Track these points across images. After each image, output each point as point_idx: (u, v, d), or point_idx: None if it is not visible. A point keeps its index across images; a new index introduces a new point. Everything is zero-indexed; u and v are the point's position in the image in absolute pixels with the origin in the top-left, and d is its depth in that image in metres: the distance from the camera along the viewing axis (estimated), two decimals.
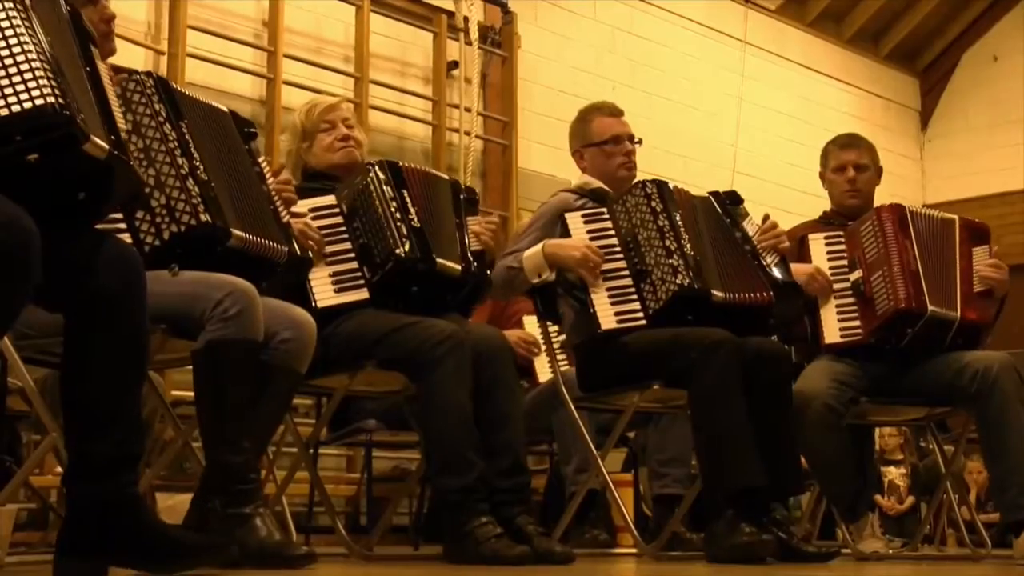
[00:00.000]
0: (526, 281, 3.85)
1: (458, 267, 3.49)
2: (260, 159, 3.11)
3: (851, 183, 4.28)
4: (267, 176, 3.10)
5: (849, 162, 4.30)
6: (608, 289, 3.72)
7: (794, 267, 3.94)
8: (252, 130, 3.14)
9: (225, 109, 3.09)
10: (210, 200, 2.79)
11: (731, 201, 3.96)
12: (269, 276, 2.94)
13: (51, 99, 1.97)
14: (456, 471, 3.18)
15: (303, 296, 3.30)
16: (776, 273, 3.83)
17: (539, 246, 3.77)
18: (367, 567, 3.25)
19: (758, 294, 3.76)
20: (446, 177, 3.75)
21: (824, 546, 3.94)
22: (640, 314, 3.70)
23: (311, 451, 4.06)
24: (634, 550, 4.11)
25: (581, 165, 4.11)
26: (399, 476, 5.65)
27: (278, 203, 3.07)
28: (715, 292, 3.69)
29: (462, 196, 3.70)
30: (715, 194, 3.96)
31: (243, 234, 2.85)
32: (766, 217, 3.94)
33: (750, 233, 3.86)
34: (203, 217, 2.76)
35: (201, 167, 2.82)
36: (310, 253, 3.20)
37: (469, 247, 3.58)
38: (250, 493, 2.67)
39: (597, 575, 2.97)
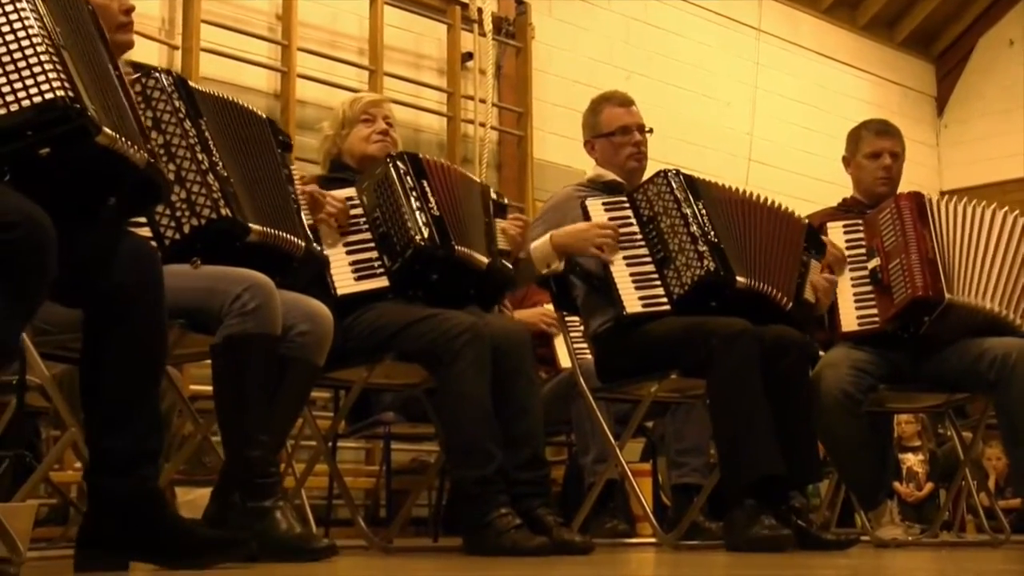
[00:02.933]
0: (533, 272, 3.85)
1: (484, 259, 3.49)
2: (292, 166, 3.13)
3: (886, 171, 4.27)
4: (295, 180, 3.13)
5: (886, 149, 4.29)
6: (632, 275, 3.72)
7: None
8: (286, 139, 3.18)
9: (262, 115, 3.11)
10: (230, 195, 2.80)
11: (814, 238, 3.97)
12: (286, 271, 2.95)
13: (60, 92, 1.97)
14: (475, 463, 3.18)
15: (323, 286, 3.29)
16: (805, 292, 3.87)
17: (546, 236, 3.77)
18: (387, 559, 3.25)
19: (780, 294, 3.77)
20: (477, 179, 3.77)
21: (843, 533, 3.92)
22: (664, 299, 3.69)
23: (330, 444, 4.05)
24: (653, 540, 4.13)
25: (593, 156, 4.11)
26: (418, 468, 5.65)
27: (301, 201, 3.09)
28: (739, 278, 3.69)
29: (492, 199, 3.73)
30: (809, 226, 3.98)
31: (262, 228, 2.87)
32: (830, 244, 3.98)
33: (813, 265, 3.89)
34: (223, 211, 2.77)
35: (221, 163, 2.83)
36: (327, 242, 3.21)
37: (497, 243, 3.60)
38: (270, 487, 2.68)
39: (616, 565, 2.95)
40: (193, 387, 4.71)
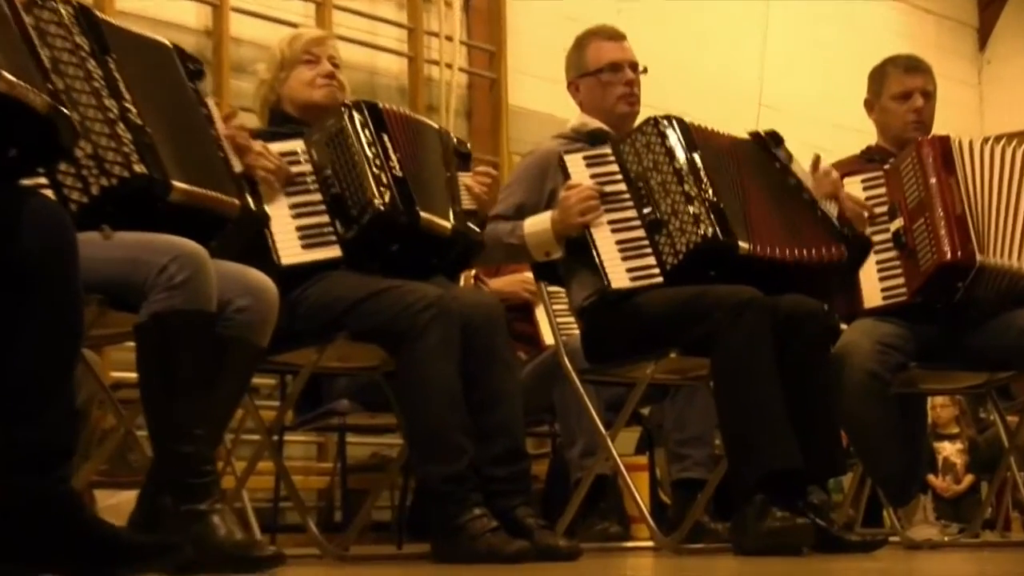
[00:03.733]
0: (528, 258, 3.88)
1: (447, 224, 3.51)
2: (207, 100, 3.10)
3: (918, 113, 4.28)
4: (215, 120, 3.10)
5: (916, 88, 4.30)
6: (618, 243, 3.73)
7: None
8: (197, 67, 3.12)
9: (167, 43, 3.08)
10: (145, 148, 2.77)
11: (775, 142, 3.97)
12: (218, 235, 2.94)
13: None
14: (444, 457, 3.21)
15: (264, 255, 3.30)
16: (840, 223, 3.86)
17: (547, 221, 3.79)
18: (344, 569, 3.28)
19: (826, 250, 3.78)
20: (435, 126, 3.77)
21: (869, 534, 3.96)
22: (655, 270, 3.71)
23: (275, 438, 4.08)
24: (650, 543, 4.15)
25: (577, 99, 4.11)
26: (378, 465, 5.67)
27: (229, 151, 3.08)
28: (742, 243, 3.71)
29: (453, 148, 3.72)
30: (756, 135, 3.97)
31: (186, 186, 2.85)
32: (817, 159, 3.95)
33: (801, 178, 3.88)
34: (137, 168, 2.74)
35: (134, 110, 2.79)
36: (266, 198, 3.22)
37: (460, 204, 3.60)
38: (205, 487, 2.67)
39: (608, 572, 2.99)
40: (115, 374, 4.70)
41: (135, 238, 2.73)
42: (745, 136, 3.95)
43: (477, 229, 3.66)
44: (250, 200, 3.07)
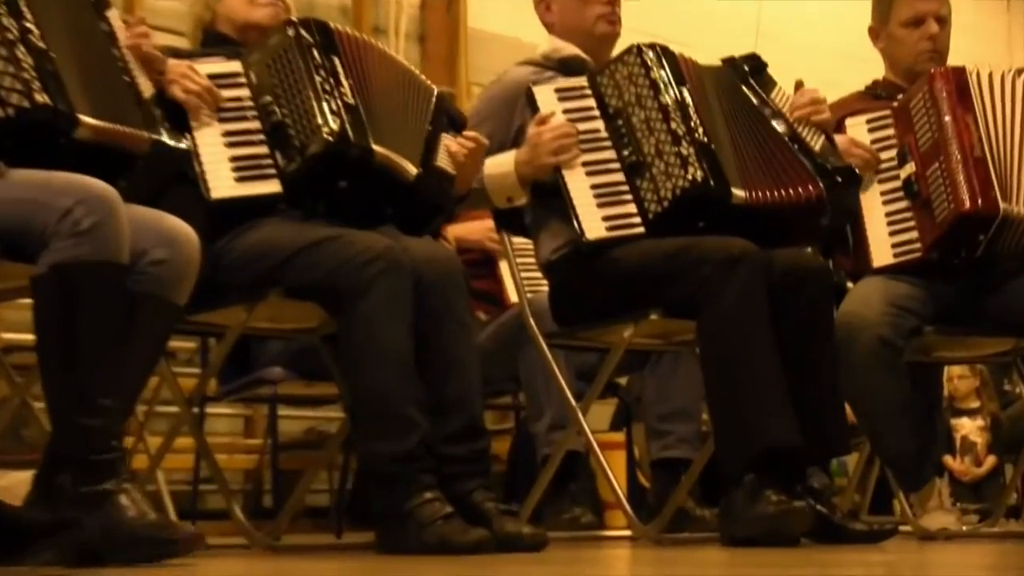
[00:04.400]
0: (487, 203, 3.89)
1: (410, 168, 3.50)
2: (108, 13, 3.08)
3: (931, 40, 4.28)
4: (119, 37, 3.07)
5: (929, 13, 4.28)
6: (594, 187, 3.73)
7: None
8: None
9: None
10: (48, 75, 2.76)
11: (753, 69, 3.96)
12: (126, 175, 2.91)
13: None
14: (391, 433, 3.21)
15: (183, 195, 3.27)
16: (821, 157, 3.85)
17: (510, 162, 3.81)
18: (274, 561, 3.26)
19: (800, 189, 3.78)
20: (431, 85, 3.73)
21: (876, 522, 3.97)
22: (636, 219, 3.71)
23: (196, 410, 4.08)
24: (627, 532, 4.17)
25: (548, 20, 4.09)
26: (315, 442, 5.69)
27: (137, 73, 3.05)
28: (736, 191, 3.73)
29: (446, 110, 3.73)
30: (730, 61, 3.97)
31: (95, 121, 2.85)
32: (799, 84, 3.95)
33: (782, 108, 3.88)
34: (39, 98, 2.73)
35: (36, 31, 2.78)
36: (192, 123, 3.20)
37: (437, 159, 3.60)
38: (112, 465, 2.64)
39: (578, 565, 2.97)
40: (7, 335, 4.67)
41: (34, 177, 2.71)
42: (719, 64, 3.97)
43: (450, 193, 3.66)
44: (165, 134, 3.05)
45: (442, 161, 3.61)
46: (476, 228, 5.07)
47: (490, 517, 3.26)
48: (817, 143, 3.87)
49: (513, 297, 4.95)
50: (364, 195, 3.49)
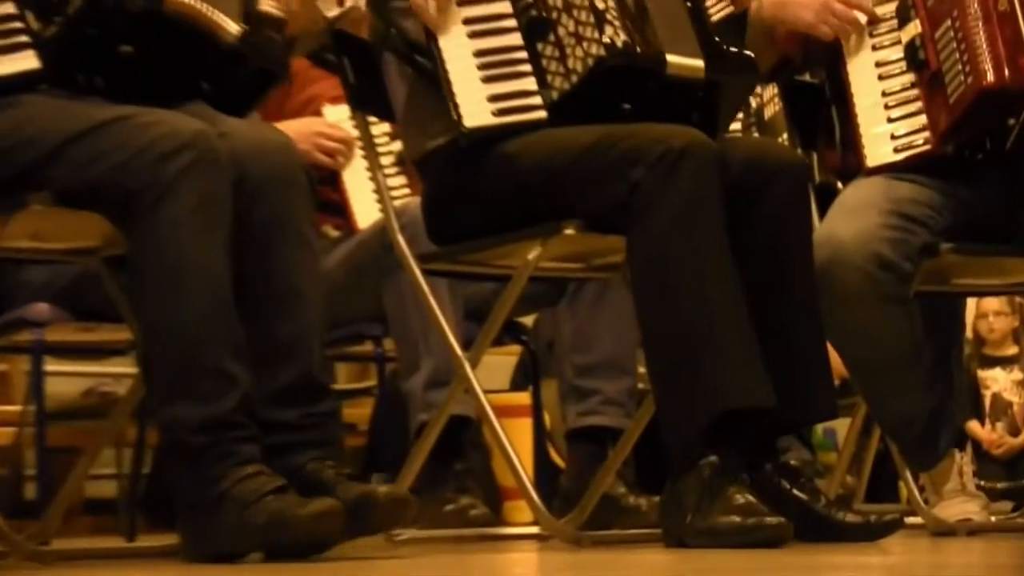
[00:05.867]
0: (308, 25, 3.82)
1: (233, 26, 3.49)
2: None
3: None
4: None
5: None
6: (478, 55, 3.75)
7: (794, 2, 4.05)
8: None
9: None
10: None
11: None
12: None
13: None
14: (200, 392, 3.18)
15: None
16: (717, 32, 3.89)
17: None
18: (41, 575, 3.27)
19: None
20: None
21: (875, 512, 3.94)
22: (536, 99, 3.72)
23: None
24: (535, 529, 4.19)
25: None
26: (96, 409, 5.67)
27: None
28: (671, 59, 3.77)
29: None
30: None
31: None
32: None
33: None
34: None
35: None
36: None
37: (258, 2, 3.57)
38: None
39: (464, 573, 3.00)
40: None
41: None
42: None
43: (280, 46, 3.66)
44: None
45: (266, 4, 3.59)
46: (301, 126, 5.01)
47: (331, 484, 3.25)
48: (720, 11, 3.92)
49: (361, 219, 4.98)
50: (162, 64, 3.47)
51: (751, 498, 3.42)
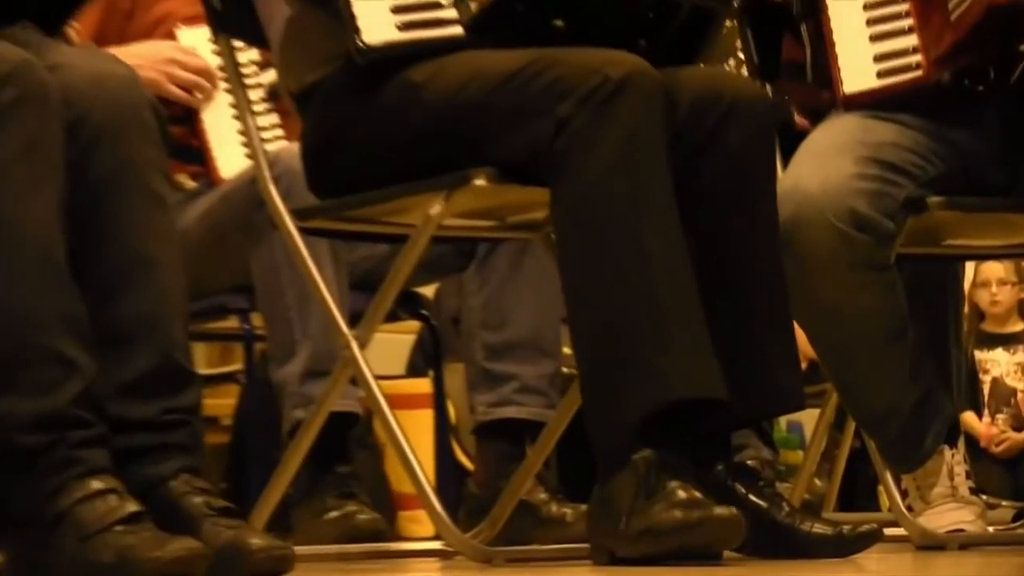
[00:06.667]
0: None
1: None
2: None
3: None
4: None
5: None
6: None
7: None
8: None
9: None
10: None
11: None
12: None
13: None
14: (30, 380, 3.12)
15: None
16: None
17: None
18: None
19: None
20: None
21: (849, 522, 3.90)
22: (451, 12, 3.74)
23: None
24: (437, 544, 4.20)
25: None
26: None
27: None
28: None
29: None
30: None
31: None
32: None
33: None
34: None
35: None
36: None
37: None
38: None
39: None
40: None
41: None
42: None
43: None
44: None
45: None
46: (144, 55, 4.97)
47: (197, 519, 3.19)
48: None
49: (224, 168, 4.95)
50: None
51: (696, 492, 3.39)
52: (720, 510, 3.37)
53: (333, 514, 4.65)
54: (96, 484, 3.07)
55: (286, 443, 4.29)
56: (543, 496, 4.38)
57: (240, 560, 3.17)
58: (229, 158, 4.94)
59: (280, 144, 4.52)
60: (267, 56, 4.56)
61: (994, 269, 6.80)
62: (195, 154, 5.06)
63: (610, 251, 3.53)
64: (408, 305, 4.92)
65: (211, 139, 5.04)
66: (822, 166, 4.03)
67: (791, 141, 4.15)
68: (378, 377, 4.01)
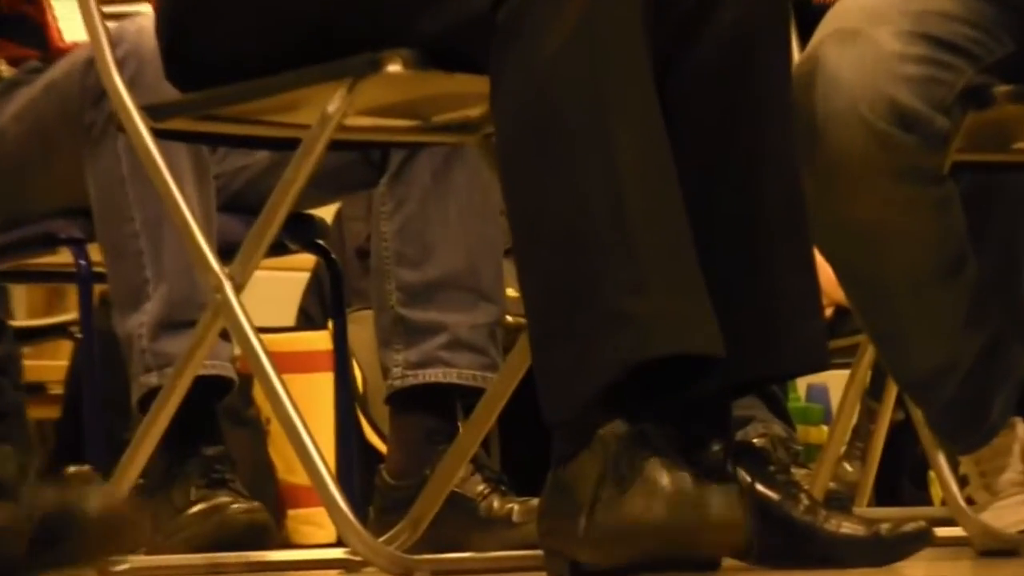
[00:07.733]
0: None
1: None
2: None
3: None
4: None
5: None
6: None
7: None
8: None
9: None
10: None
11: None
12: None
13: None
14: None
15: None
16: None
17: None
18: None
19: None
20: None
21: (889, 520, 3.83)
22: None
23: None
24: (339, 553, 4.18)
25: None
26: None
27: None
28: None
29: None
30: None
31: None
32: None
33: None
34: None
35: None
36: None
37: None
38: None
39: None
40: None
41: None
42: None
43: None
44: None
45: None
46: None
47: (9, 483, 3.08)
48: None
49: (70, 34, 4.89)
50: None
51: (686, 475, 3.34)
52: (717, 502, 3.35)
53: (198, 507, 4.61)
54: None
55: (136, 417, 4.30)
56: (481, 487, 4.38)
57: (71, 527, 3.01)
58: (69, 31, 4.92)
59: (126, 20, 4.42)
60: None
61: None
62: (32, 29, 5.04)
63: (567, 158, 3.46)
64: (299, 233, 4.91)
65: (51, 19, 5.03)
66: (853, 44, 3.99)
67: (810, 16, 4.13)
68: (260, 330, 3.98)
